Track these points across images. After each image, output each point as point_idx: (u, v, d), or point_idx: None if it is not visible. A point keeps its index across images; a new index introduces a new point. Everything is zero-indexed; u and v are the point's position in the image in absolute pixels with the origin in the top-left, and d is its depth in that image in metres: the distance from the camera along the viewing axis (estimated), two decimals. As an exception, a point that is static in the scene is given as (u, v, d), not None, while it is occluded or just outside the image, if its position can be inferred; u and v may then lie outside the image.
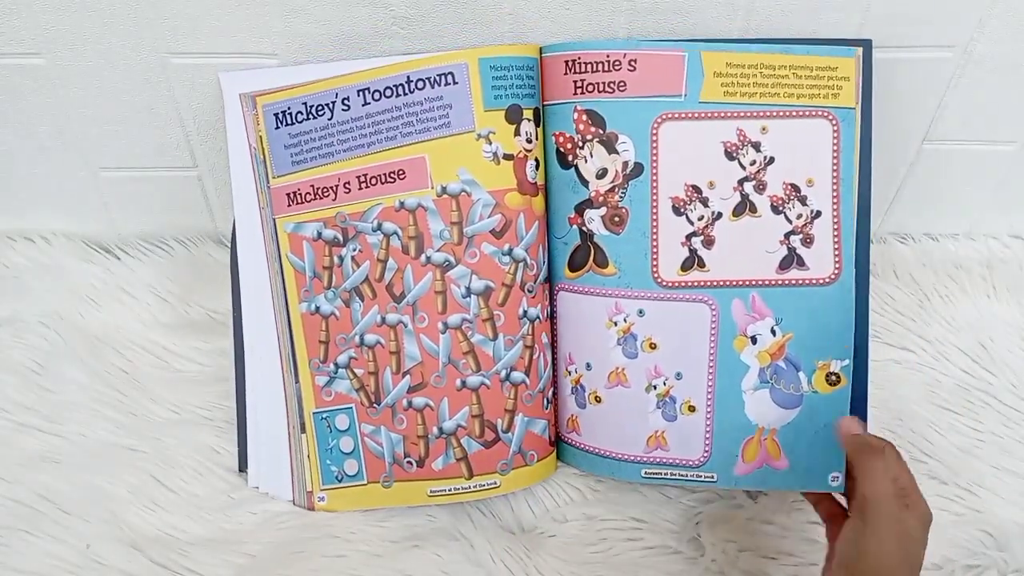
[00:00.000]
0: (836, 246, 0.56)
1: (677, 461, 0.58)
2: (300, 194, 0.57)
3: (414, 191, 0.55)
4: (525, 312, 0.57)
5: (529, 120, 0.56)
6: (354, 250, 0.57)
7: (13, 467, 0.60)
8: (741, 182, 0.56)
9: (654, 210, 0.56)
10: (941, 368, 0.67)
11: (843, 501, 0.54)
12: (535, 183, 0.57)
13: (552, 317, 0.60)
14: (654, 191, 0.56)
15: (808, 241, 0.56)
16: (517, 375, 0.57)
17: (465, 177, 0.55)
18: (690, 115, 0.55)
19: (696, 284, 0.56)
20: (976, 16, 0.59)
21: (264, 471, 0.60)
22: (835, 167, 0.56)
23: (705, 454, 0.57)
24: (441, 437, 0.57)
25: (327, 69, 0.57)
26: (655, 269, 0.56)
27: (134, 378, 0.66)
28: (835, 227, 0.56)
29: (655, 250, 0.56)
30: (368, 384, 0.58)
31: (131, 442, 0.62)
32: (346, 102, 0.56)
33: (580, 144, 0.56)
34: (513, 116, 0.55)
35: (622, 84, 0.54)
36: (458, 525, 0.59)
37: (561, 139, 0.57)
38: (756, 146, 0.55)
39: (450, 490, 0.58)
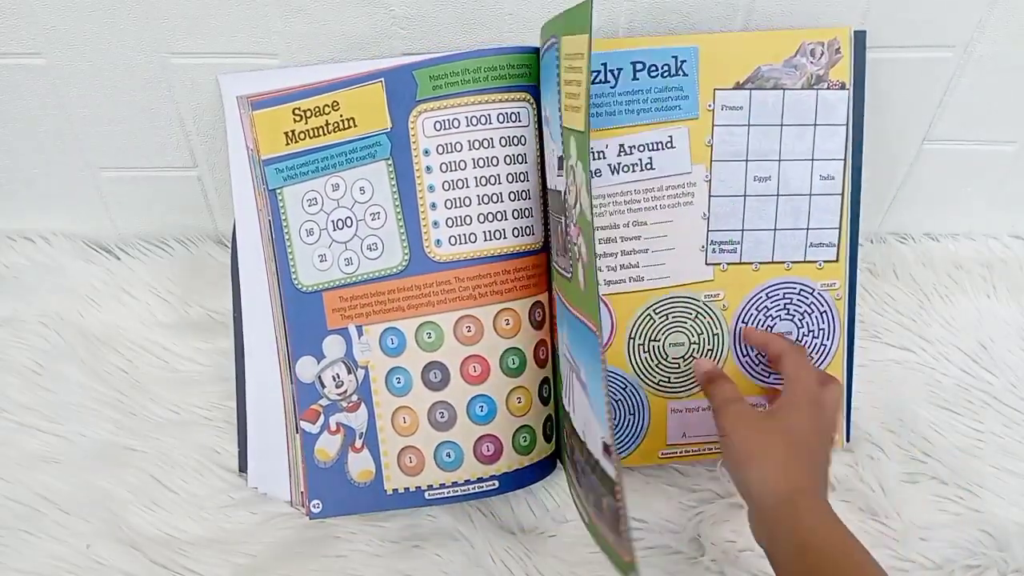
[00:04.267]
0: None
1: None
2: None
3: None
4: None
5: None
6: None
7: (13, 467, 0.60)
8: None
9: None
10: (941, 368, 0.67)
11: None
12: None
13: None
14: None
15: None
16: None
17: None
18: None
19: None
20: (976, 16, 0.59)
21: (263, 472, 0.60)
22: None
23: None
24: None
25: (326, 71, 0.57)
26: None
27: (134, 378, 0.66)
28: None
29: None
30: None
31: (131, 442, 0.62)
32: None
33: None
34: None
35: None
36: (458, 525, 0.59)
37: None
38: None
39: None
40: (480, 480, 0.58)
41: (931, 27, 0.60)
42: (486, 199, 0.55)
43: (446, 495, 0.58)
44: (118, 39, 0.60)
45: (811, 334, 0.59)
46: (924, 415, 0.64)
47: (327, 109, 0.56)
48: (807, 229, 0.58)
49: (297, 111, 0.57)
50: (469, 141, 0.55)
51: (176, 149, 0.67)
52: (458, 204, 0.56)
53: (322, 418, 0.59)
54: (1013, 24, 0.60)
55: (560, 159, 0.47)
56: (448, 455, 0.58)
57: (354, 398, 0.58)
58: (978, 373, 0.66)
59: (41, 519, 0.58)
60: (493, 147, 0.55)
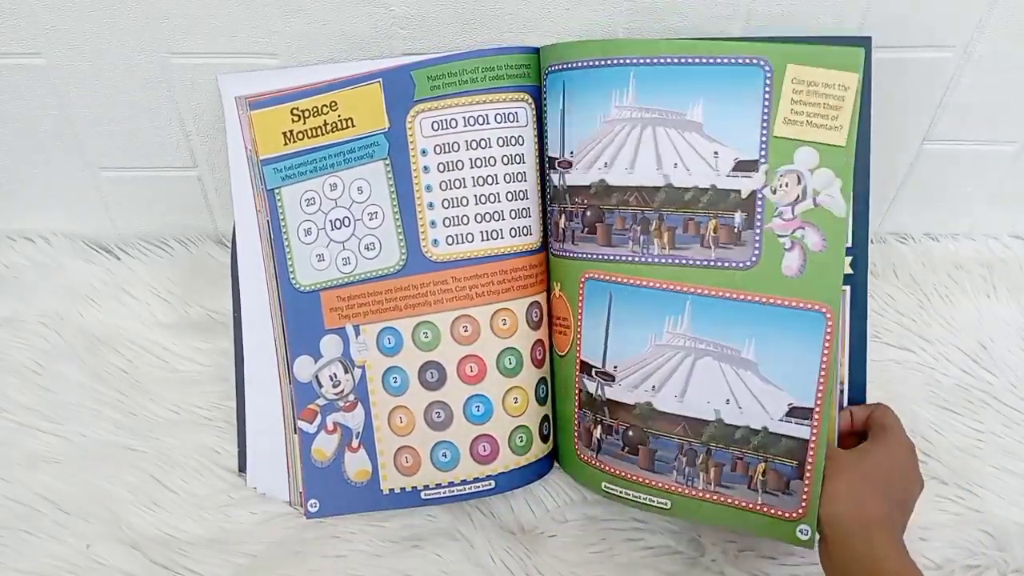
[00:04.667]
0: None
1: None
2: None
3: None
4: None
5: None
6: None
7: (13, 467, 0.60)
8: None
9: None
10: (941, 368, 0.67)
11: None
12: None
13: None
14: None
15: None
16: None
17: None
18: None
19: None
20: (976, 16, 0.59)
21: (262, 471, 0.60)
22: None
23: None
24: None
25: (324, 71, 0.57)
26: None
27: (134, 378, 0.66)
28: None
29: None
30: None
31: (131, 442, 0.62)
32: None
33: None
34: None
35: None
36: (458, 525, 0.59)
37: None
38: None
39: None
40: (476, 480, 0.58)
41: (931, 27, 0.60)
42: (483, 199, 0.55)
43: (442, 495, 0.58)
44: (118, 39, 0.60)
45: None
46: (924, 415, 0.64)
47: (325, 109, 0.56)
48: None
49: (295, 111, 0.57)
50: (466, 141, 0.55)
51: (176, 149, 0.67)
52: (455, 204, 0.56)
53: (319, 418, 0.59)
54: (1013, 24, 0.60)
55: (751, 162, 0.51)
56: (444, 455, 0.58)
57: (351, 398, 0.58)
58: (978, 373, 0.66)
59: (41, 519, 0.58)
60: (490, 147, 0.55)
